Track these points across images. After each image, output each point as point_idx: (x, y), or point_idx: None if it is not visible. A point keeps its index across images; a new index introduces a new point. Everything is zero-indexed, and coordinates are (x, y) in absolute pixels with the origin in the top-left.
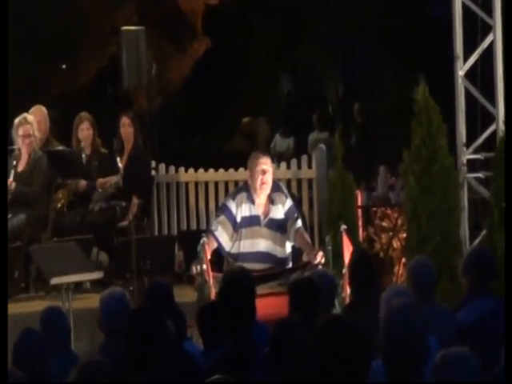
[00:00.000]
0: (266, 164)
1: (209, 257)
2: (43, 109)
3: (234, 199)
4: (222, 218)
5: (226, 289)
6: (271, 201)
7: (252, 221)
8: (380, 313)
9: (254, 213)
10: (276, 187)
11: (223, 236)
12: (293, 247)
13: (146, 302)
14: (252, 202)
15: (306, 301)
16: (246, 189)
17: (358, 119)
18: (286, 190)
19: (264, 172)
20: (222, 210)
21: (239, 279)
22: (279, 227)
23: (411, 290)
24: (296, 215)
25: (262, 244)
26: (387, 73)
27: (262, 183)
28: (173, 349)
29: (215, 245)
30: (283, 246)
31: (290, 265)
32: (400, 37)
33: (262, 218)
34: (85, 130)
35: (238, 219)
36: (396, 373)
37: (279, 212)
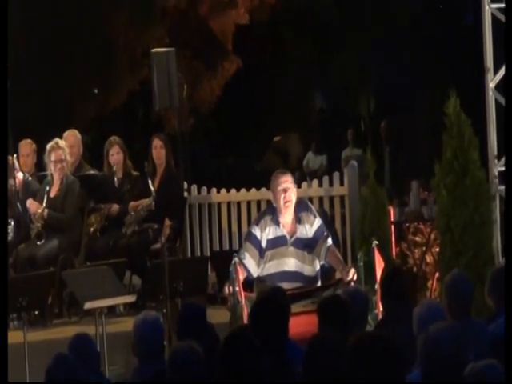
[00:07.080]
0: (286, 182)
1: (241, 277)
2: (76, 133)
3: (258, 224)
4: (248, 244)
5: (259, 308)
6: (298, 220)
7: (278, 242)
8: (414, 329)
9: (280, 233)
10: (304, 207)
11: (251, 263)
12: (323, 266)
13: (180, 324)
14: (277, 223)
15: (335, 319)
16: (270, 211)
17: (387, 135)
18: (314, 210)
19: (285, 190)
20: (248, 236)
21: (273, 298)
22: (306, 246)
23: (446, 305)
24: (326, 233)
25: (289, 263)
26: (417, 87)
27: (286, 202)
28: None
29: (245, 273)
30: (311, 264)
31: (319, 283)
32: (430, 50)
33: (288, 237)
34: (115, 155)
35: (264, 243)
36: None
37: (307, 231)
